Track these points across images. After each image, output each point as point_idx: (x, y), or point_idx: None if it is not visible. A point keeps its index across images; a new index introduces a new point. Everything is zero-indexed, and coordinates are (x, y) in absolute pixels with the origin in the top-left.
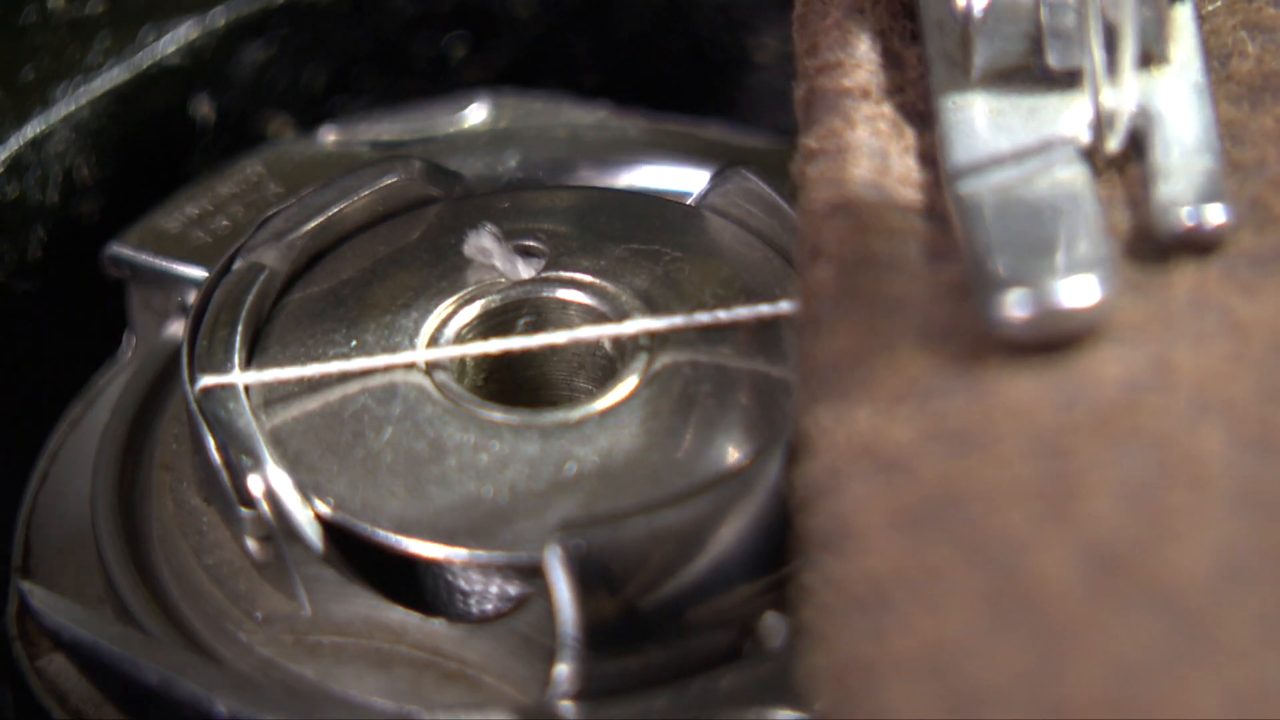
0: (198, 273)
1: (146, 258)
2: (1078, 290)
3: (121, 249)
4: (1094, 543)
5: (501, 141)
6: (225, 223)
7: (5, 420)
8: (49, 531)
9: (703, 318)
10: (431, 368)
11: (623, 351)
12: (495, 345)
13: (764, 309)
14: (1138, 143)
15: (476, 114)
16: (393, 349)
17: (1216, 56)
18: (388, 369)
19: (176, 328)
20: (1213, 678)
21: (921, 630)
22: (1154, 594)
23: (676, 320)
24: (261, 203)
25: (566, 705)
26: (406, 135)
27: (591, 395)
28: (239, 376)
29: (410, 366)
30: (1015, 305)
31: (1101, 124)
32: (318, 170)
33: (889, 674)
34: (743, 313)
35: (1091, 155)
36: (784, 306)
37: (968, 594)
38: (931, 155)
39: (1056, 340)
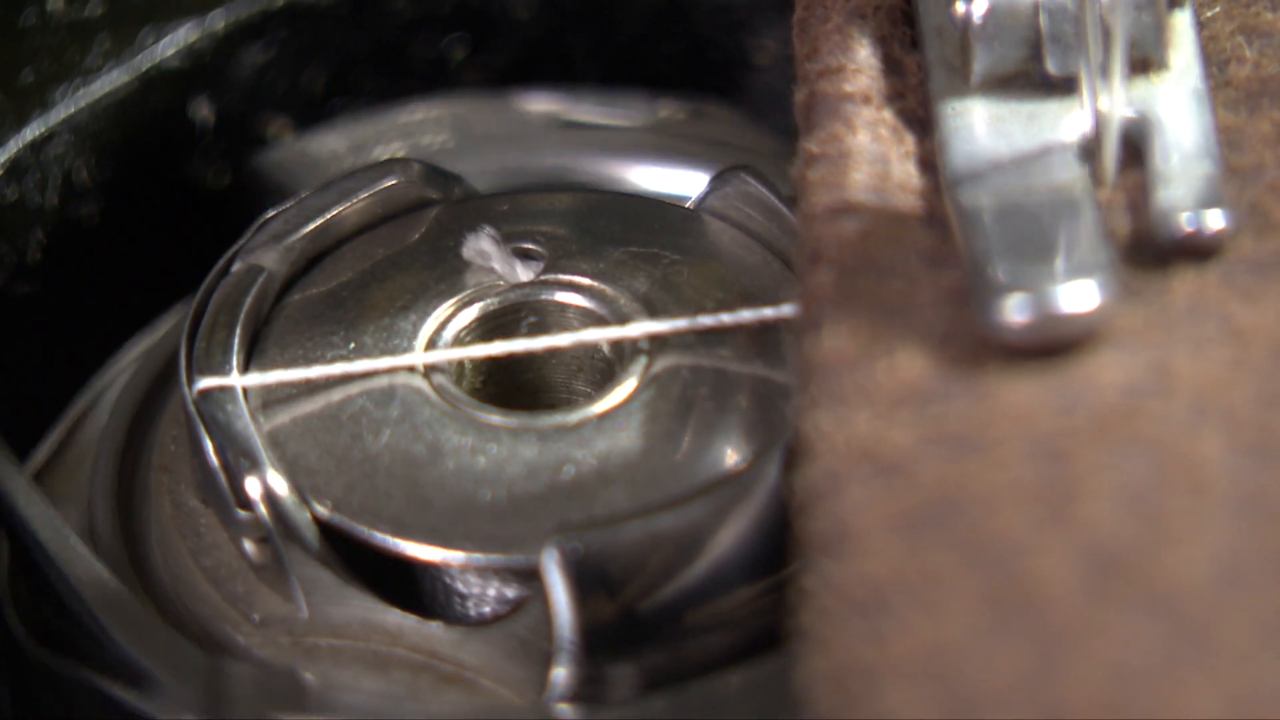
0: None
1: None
2: (1077, 295)
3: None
4: (1093, 546)
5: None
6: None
7: (5, 421)
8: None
9: (705, 320)
10: (430, 370)
11: (621, 355)
12: (494, 348)
13: (766, 312)
14: (1137, 149)
15: (663, 111)
16: (391, 351)
17: (1214, 62)
18: (386, 371)
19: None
20: (1211, 681)
21: (921, 633)
22: (1153, 598)
23: (680, 323)
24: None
25: (564, 708)
26: (598, 119)
27: (590, 398)
28: (237, 379)
29: (409, 369)
30: (1015, 310)
31: (1097, 131)
32: (493, 128)
33: (888, 677)
34: (745, 315)
35: (1091, 161)
36: (784, 310)
37: (967, 597)
38: (931, 161)
39: (1056, 345)
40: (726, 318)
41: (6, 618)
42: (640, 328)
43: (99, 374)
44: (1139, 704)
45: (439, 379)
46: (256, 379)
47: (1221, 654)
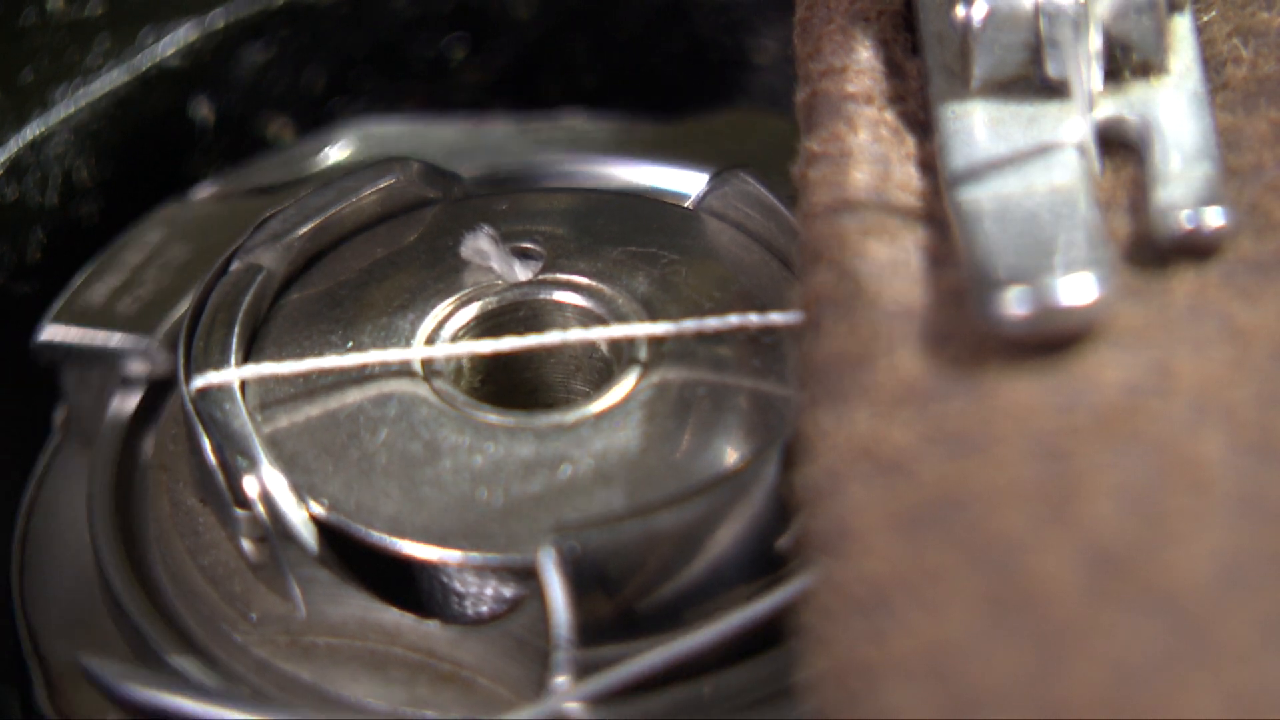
0: (135, 342)
1: (85, 332)
2: (1076, 288)
3: (56, 330)
4: (1094, 545)
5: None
6: (143, 290)
7: (4, 421)
8: (47, 531)
9: (712, 322)
10: (428, 372)
11: (619, 354)
12: (491, 345)
13: (774, 317)
14: (1136, 150)
15: (341, 150)
16: (390, 349)
17: (1212, 64)
18: (384, 374)
19: (119, 402)
20: (1212, 680)
21: (921, 632)
22: (1154, 596)
23: (684, 325)
24: (171, 264)
25: (561, 707)
26: (281, 179)
27: (588, 398)
28: (234, 372)
29: (407, 370)
30: (1014, 303)
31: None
32: (213, 225)
33: (889, 675)
34: (752, 319)
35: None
36: (786, 314)
37: (968, 596)
38: (931, 163)
39: (1055, 338)
40: (738, 319)
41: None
42: (640, 329)
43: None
44: (1139, 703)
45: (436, 379)
46: (252, 370)
47: (1222, 653)
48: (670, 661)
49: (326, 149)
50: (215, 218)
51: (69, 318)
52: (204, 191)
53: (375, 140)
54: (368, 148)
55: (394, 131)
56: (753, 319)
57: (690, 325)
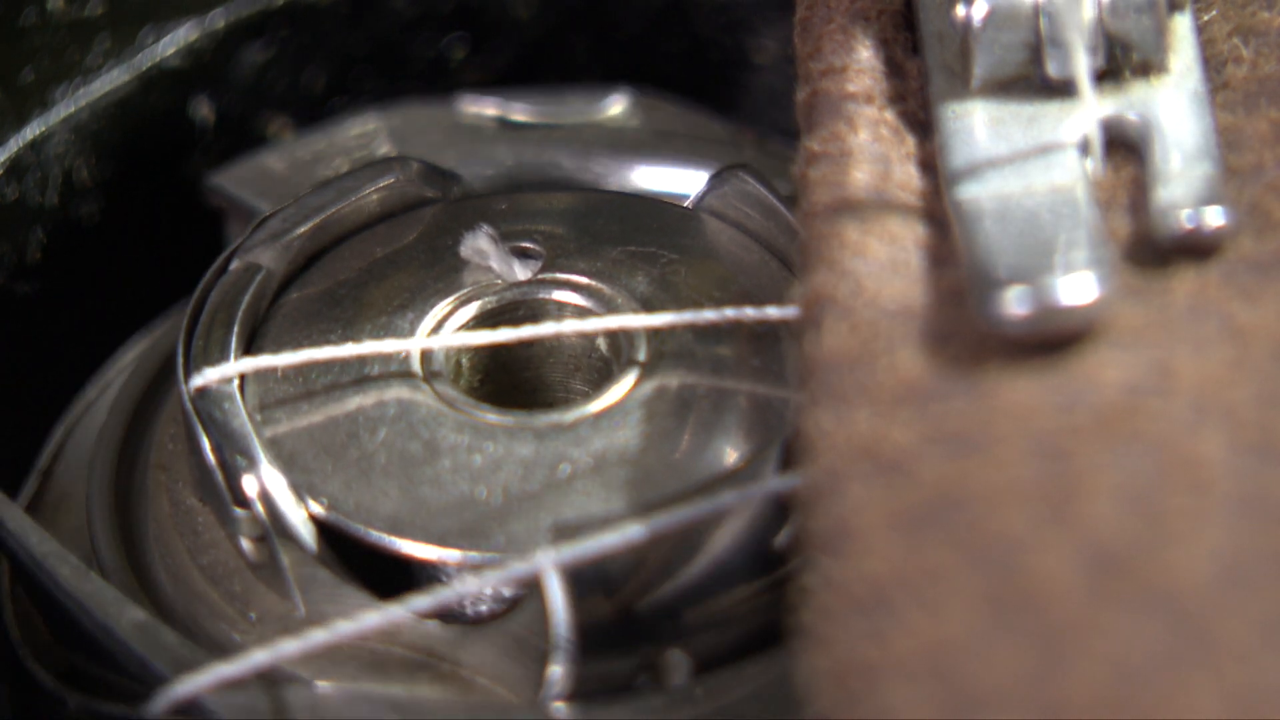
0: None
1: (241, 195)
2: (1076, 287)
3: (222, 181)
4: (1094, 544)
5: (635, 142)
6: (327, 173)
7: (4, 421)
8: (46, 531)
9: (707, 314)
10: (427, 372)
11: (619, 354)
12: (487, 336)
13: (771, 311)
14: (1137, 150)
15: (613, 107)
16: (389, 350)
17: (1212, 64)
18: (383, 375)
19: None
20: (1213, 680)
21: (922, 632)
22: (1154, 596)
23: (681, 316)
24: (368, 159)
25: (560, 706)
26: (538, 118)
27: (587, 397)
28: (233, 365)
29: (406, 371)
30: (1014, 302)
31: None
32: (431, 135)
33: (889, 675)
34: (748, 312)
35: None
36: (785, 310)
37: (968, 595)
38: (932, 163)
39: (1055, 338)
40: (734, 312)
41: (7, 627)
42: (634, 319)
43: (98, 373)
44: (1140, 703)
45: (436, 379)
46: (250, 363)
47: (1223, 653)
48: (653, 533)
49: (600, 103)
50: (437, 128)
51: (240, 175)
52: (463, 104)
53: (648, 109)
54: (635, 114)
55: (671, 110)
56: (748, 312)
57: (685, 317)
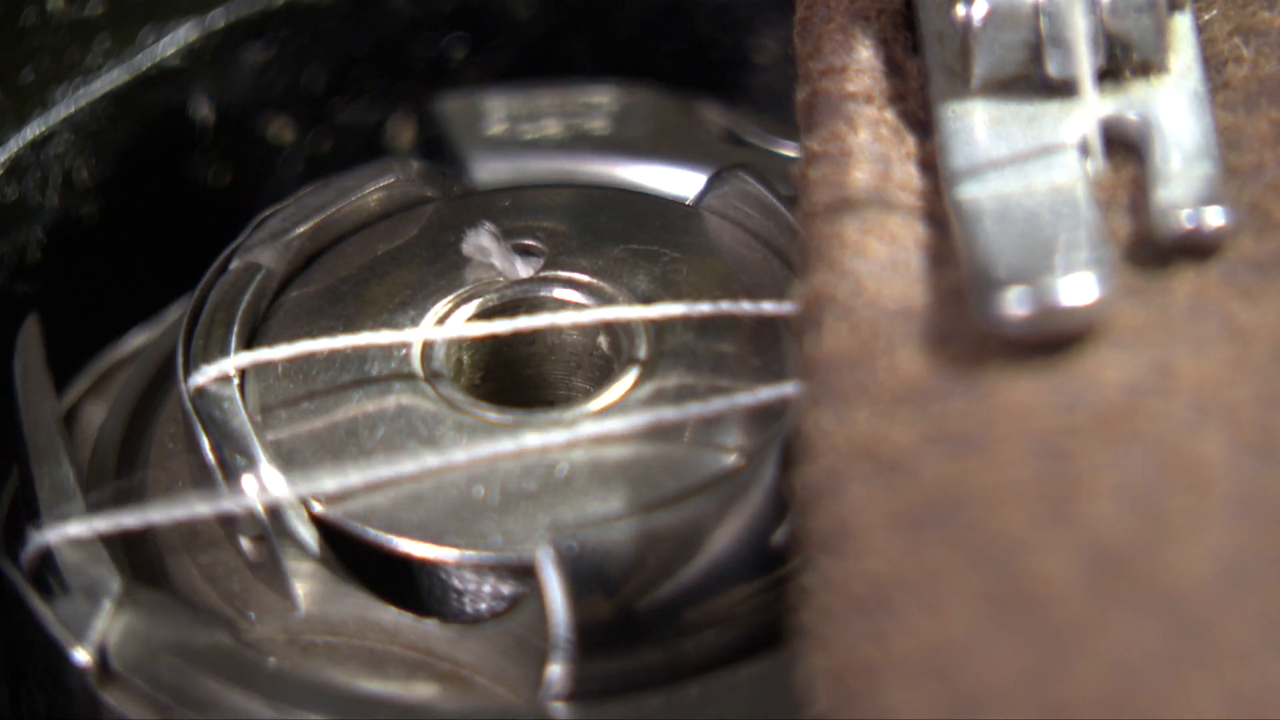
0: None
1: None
2: (1076, 288)
3: (449, 104)
4: (1094, 544)
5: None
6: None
7: (4, 421)
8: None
9: (703, 307)
10: (427, 371)
11: (619, 352)
12: (485, 328)
13: (767, 306)
14: (1137, 150)
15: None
16: (389, 349)
17: (1213, 64)
18: (383, 374)
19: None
20: (1213, 679)
21: (922, 631)
22: (1154, 596)
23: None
24: (579, 130)
25: (559, 706)
26: (766, 145)
27: (587, 396)
28: (231, 360)
29: (405, 370)
30: (1014, 303)
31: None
32: (651, 125)
33: (890, 675)
34: (745, 306)
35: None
36: (779, 304)
37: (968, 595)
38: (932, 163)
39: (1055, 338)
40: (726, 305)
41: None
42: (631, 311)
43: (98, 373)
44: (1140, 702)
45: (436, 378)
46: (248, 357)
47: (1223, 652)
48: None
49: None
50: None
51: (459, 107)
52: (705, 112)
53: None
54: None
55: None
56: (745, 306)
57: (680, 309)
